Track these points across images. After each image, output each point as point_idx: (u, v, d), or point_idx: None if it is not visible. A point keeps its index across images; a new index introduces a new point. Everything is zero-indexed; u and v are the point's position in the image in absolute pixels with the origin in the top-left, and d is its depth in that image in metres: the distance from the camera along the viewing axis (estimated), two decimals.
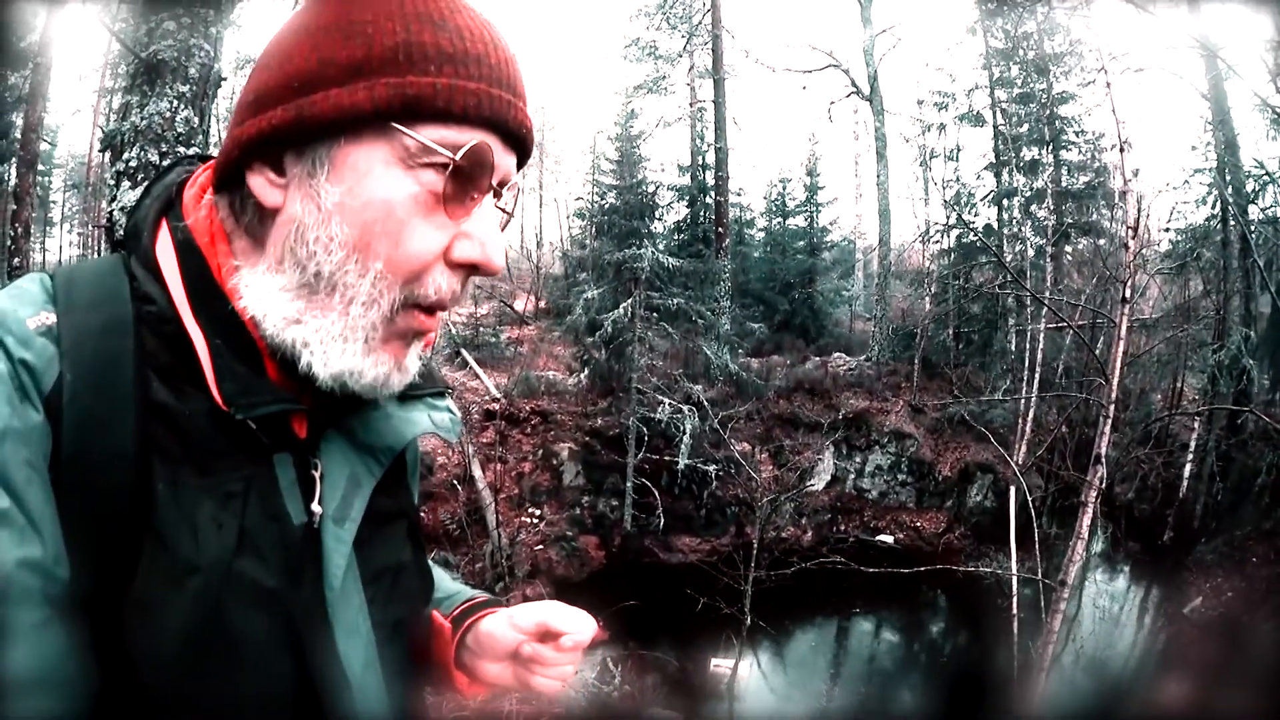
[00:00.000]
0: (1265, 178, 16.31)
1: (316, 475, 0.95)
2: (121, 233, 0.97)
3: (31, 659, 0.72)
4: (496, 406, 17.56)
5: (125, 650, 0.79)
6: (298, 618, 0.90)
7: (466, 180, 0.86)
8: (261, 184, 0.87)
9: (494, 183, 0.90)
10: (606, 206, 20.63)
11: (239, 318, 0.89)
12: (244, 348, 0.89)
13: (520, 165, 0.96)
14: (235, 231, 0.92)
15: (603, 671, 10.55)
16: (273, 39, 0.89)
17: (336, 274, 0.85)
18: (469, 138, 0.85)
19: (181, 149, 4.90)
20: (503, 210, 0.96)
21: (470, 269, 0.90)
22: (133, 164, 4.89)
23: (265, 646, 0.87)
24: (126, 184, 4.89)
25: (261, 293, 0.88)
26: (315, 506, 0.94)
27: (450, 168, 0.84)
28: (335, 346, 0.87)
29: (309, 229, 0.85)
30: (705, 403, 17.10)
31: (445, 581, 1.33)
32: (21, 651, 0.71)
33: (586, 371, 18.33)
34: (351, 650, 0.96)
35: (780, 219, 26.94)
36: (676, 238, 23.52)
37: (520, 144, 0.93)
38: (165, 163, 4.84)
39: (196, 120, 5.06)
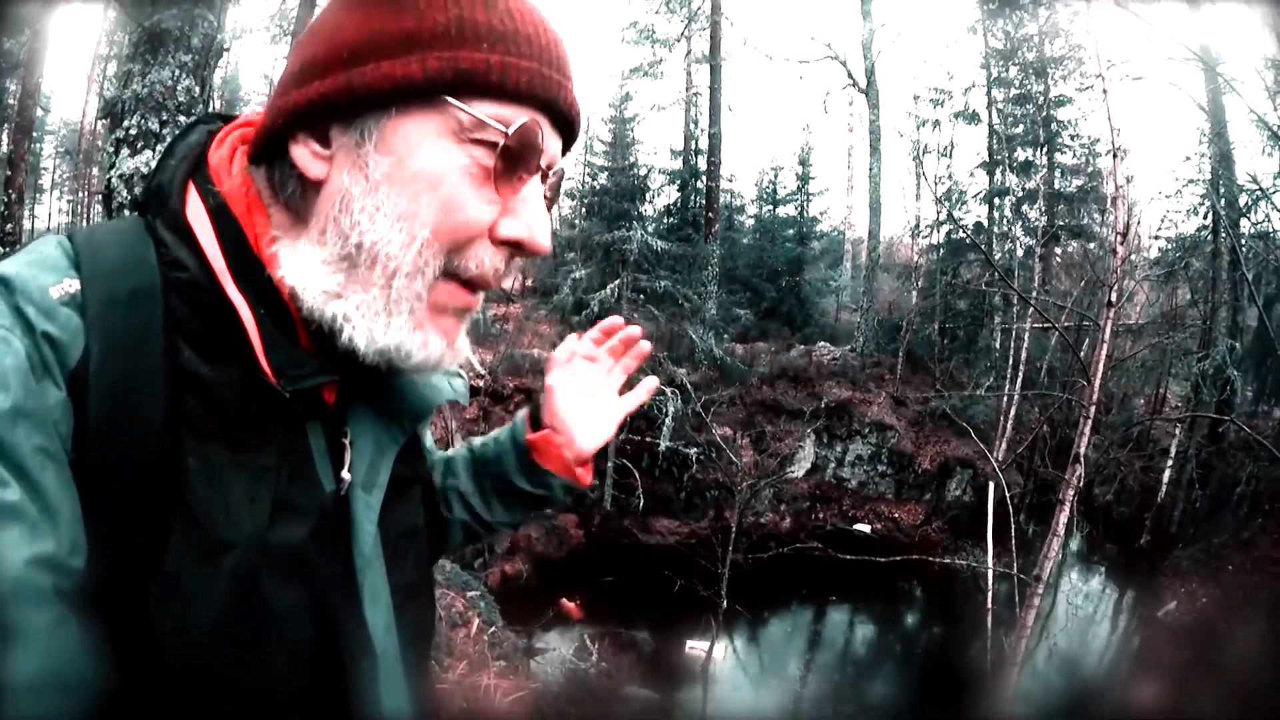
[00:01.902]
0: (1258, 193, 16.37)
1: (347, 443, 0.96)
2: (140, 194, 0.92)
3: (43, 660, 0.70)
4: (481, 383, 17.54)
5: (150, 634, 0.77)
6: (328, 587, 0.91)
7: (515, 159, 0.85)
8: (305, 155, 0.85)
9: (542, 164, 0.90)
10: (597, 187, 20.62)
11: (277, 288, 0.86)
12: (283, 318, 0.87)
13: (566, 149, 0.96)
14: (273, 203, 0.90)
15: (580, 649, 10.59)
16: (321, 13, 0.88)
17: (379, 244, 0.83)
18: (520, 115, 0.84)
19: (182, 118, 4.89)
20: (546, 195, 0.94)
21: (515, 247, 0.90)
22: (132, 132, 4.88)
23: (299, 618, 0.87)
24: (126, 151, 4.88)
25: (301, 265, 0.85)
26: (345, 474, 0.95)
27: (501, 144, 0.84)
28: (380, 321, 0.85)
29: (354, 199, 0.83)
30: (689, 386, 17.10)
31: (470, 453, 1.37)
32: (32, 653, 0.69)
33: None
34: (375, 616, 0.96)
35: (771, 207, 27.01)
36: (666, 221, 23.61)
37: (568, 127, 0.93)
38: (168, 130, 4.90)
39: (197, 90, 5.05)
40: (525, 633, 9.74)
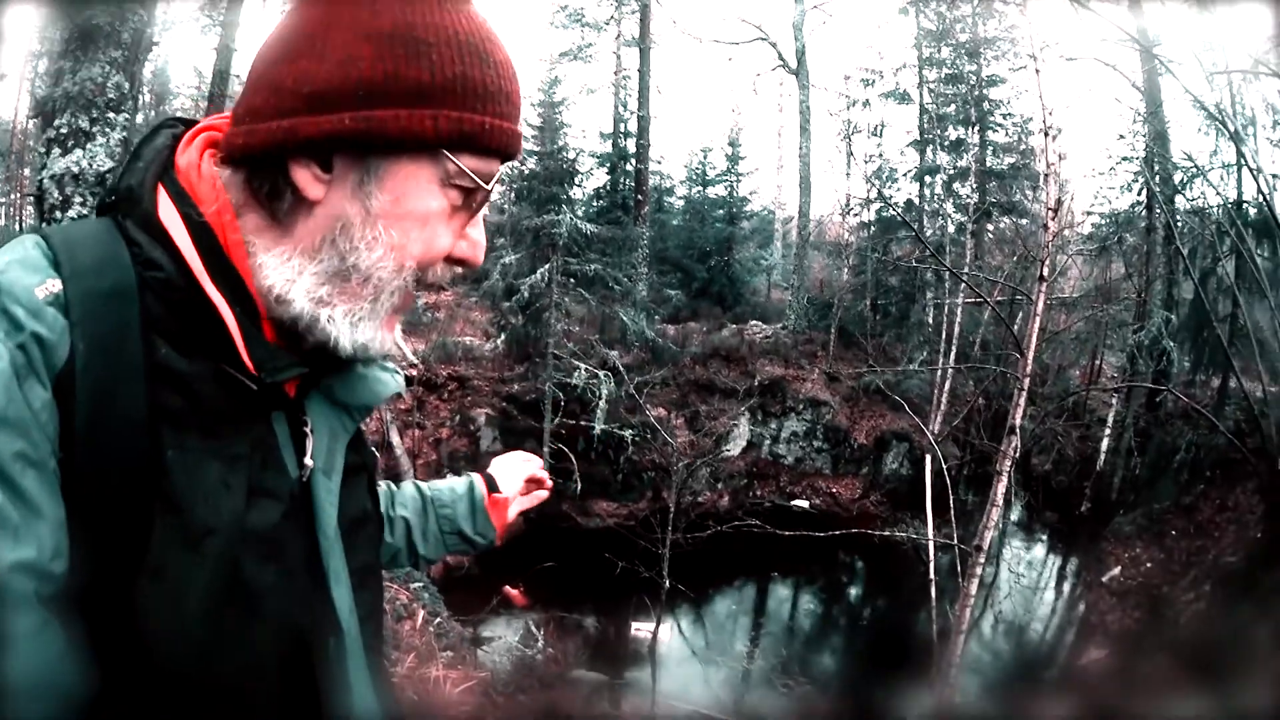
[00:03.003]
0: (1194, 171, 16.76)
1: (308, 432, 1.03)
2: (105, 195, 0.96)
3: (26, 666, 0.72)
4: (414, 372, 17.37)
5: (136, 631, 0.81)
6: (298, 568, 0.99)
7: (479, 200, 0.98)
8: (307, 178, 0.91)
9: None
10: (526, 172, 20.42)
11: (248, 288, 0.93)
12: (254, 316, 0.94)
13: None
14: (247, 209, 0.95)
15: (526, 635, 10.58)
16: (313, 18, 0.92)
17: (374, 268, 0.93)
18: (493, 167, 0.96)
19: (112, 114, 4.88)
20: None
21: (460, 263, 1.01)
22: (63, 130, 4.88)
23: (277, 597, 0.93)
24: (57, 151, 4.84)
25: (289, 272, 0.93)
26: (308, 460, 1.02)
27: (473, 190, 0.96)
28: (362, 324, 0.96)
29: (354, 227, 0.92)
30: (621, 368, 17.13)
31: (419, 493, 1.60)
32: (16, 659, 0.71)
33: (503, 337, 18.20)
34: (340, 595, 1.04)
35: (700, 188, 26.98)
36: (595, 204, 23.50)
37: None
38: (98, 128, 4.80)
39: (127, 85, 5.01)
40: (471, 622, 9.70)
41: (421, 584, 7.54)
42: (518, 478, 1.69)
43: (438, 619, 6.90)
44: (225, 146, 0.94)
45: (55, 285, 0.83)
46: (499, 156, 0.97)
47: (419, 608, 6.83)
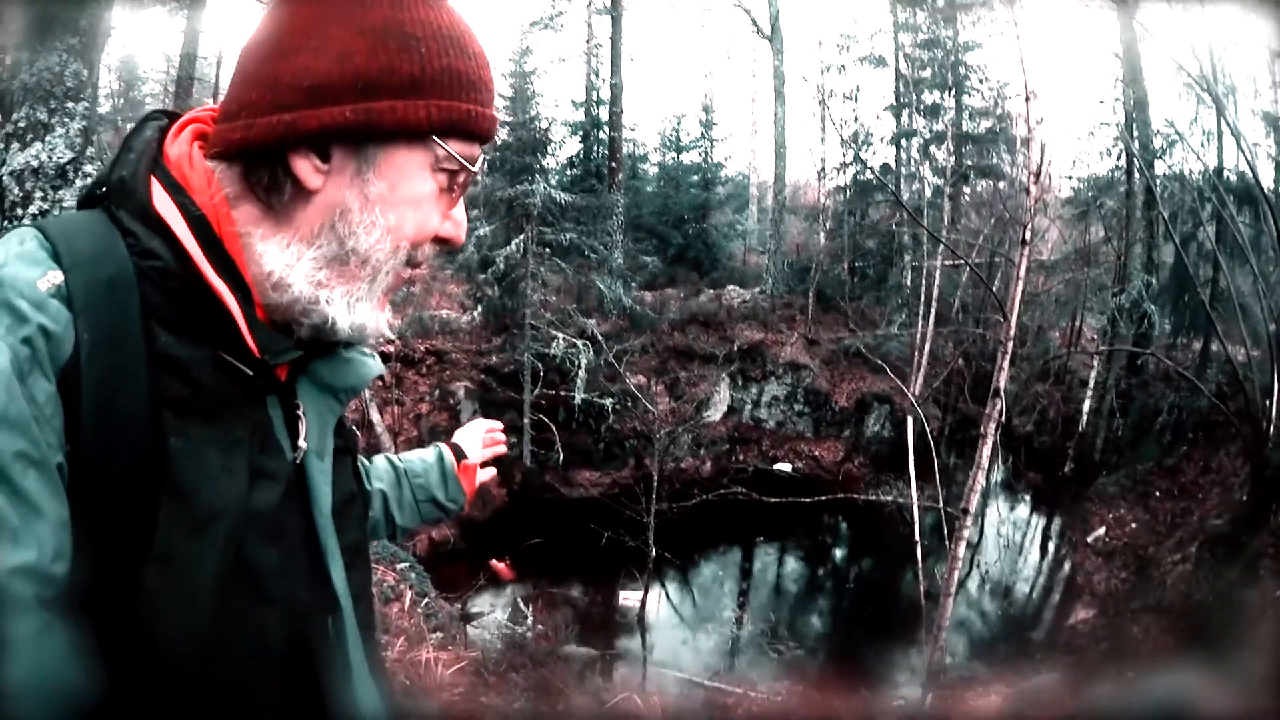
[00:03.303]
0: (1174, 136, 16.79)
1: (301, 414, 1.07)
2: (93, 188, 0.98)
3: (28, 670, 0.73)
4: (391, 348, 17.23)
5: (143, 622, 0.82)
6: (298, 547, 1.03)
7: (464, 183, 1.04)
8: (308, 168, 0.95)
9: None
10: (499, 142, 20.21)
11: (243, 276, 0.96)
12: (249, 302, 0.96)
13: None
14: (242, 200, 0.97)
15: (515, 612, 10.58)
16: (304, 16, 0.95)
17: (372, 251, 0.99)
18: (476, 151, 1.03)
19: (70, 104, 4.83)
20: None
21: (446, 242, 1.07)
22: (21, 124, 4.82)
23: (280, 577, 0.97)
24: (16, 146, 4.77)
25: (289, 258, 0.97)
26: (302, 442, 1.06)
27: (458, 171, 1.02)
28: (360, 305, 1.01)
29: (353, 213, 0.97)
30: (600, 337, 17.11)
31: (391, 465, 1.70)
32: (17, 664, 0.72)
33: (480, 309, 18.06)
34: (336, 574, 1.08)
35: (674, 154, 26.85)
36: (569, 173, 23.32)
37: None
38: (56, 119, 4.69)
39: (85, 73, 4.91)
40: (459, 599, 9.68)
41: (408, 564, 7.49)
42: (479, 442, 1.83)
43: (426, 599, 6.87)
44: (220, 141, 0.96)
45: (57, 277, 0.84)
46: (480, 140, 1.03)
47: (406, 589, 6.79)
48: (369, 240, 0.98)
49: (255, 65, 0.95)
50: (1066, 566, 14.34)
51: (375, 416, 15.67)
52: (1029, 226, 6.72)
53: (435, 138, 0.97)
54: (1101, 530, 14.27)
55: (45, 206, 4.64)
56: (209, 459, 0.90)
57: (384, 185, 0.97)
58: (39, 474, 0.77)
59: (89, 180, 4.65)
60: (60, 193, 4.69)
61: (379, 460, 1.67)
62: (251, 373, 0.95)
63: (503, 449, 1.91)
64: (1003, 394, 7.25)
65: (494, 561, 12.58)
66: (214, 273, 0.91)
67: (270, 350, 0.97)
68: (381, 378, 15.70)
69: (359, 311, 1.01)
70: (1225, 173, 16.18)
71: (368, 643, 1.15)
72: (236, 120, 0.94)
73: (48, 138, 4.72)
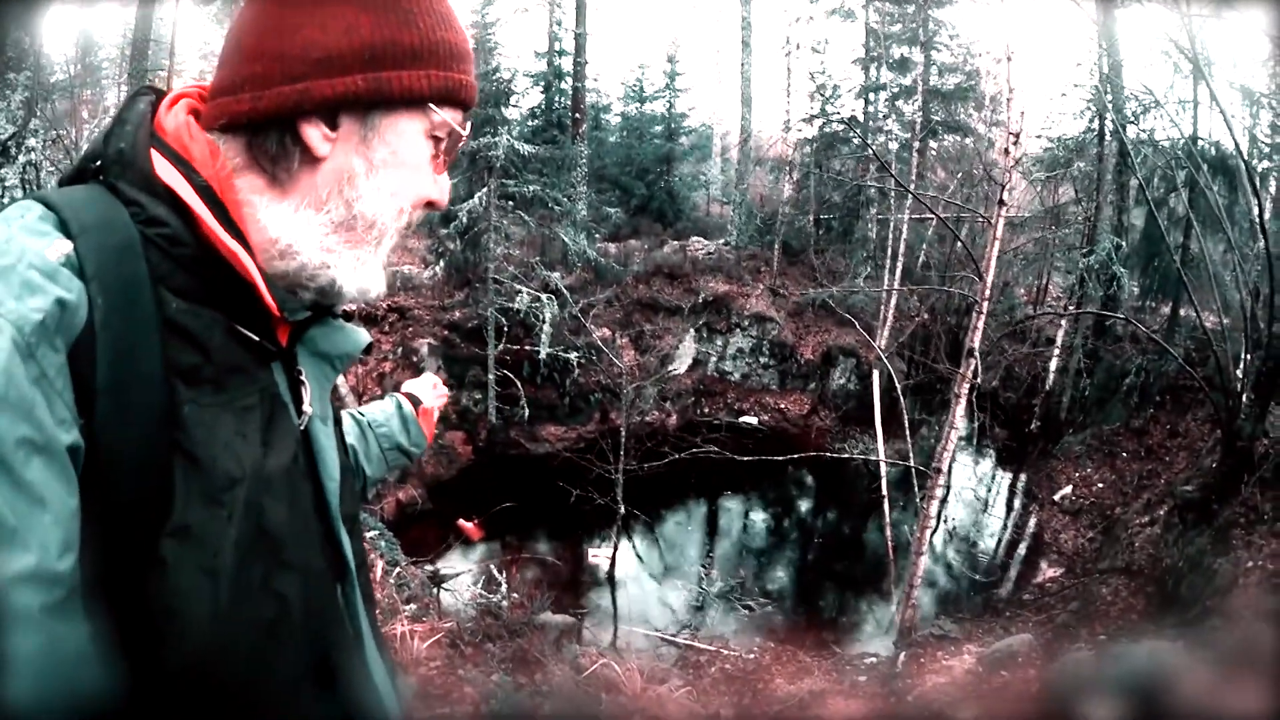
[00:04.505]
0: (1150, 101, 16.80)
1: (304, 379, 1.08)
2: (86, 161, 0.98)
3: (37, 685, 0.70)
4: (352, 307, 16.95)
5: (160, 601, 0.81)
6: (311, 513, 1.05)
7: (452, 149, 1.09)
8: (318, 137, 0.97)
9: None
10: None
11: (249, 244, 0.96)
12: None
13: None
14: (245, 169, 0.98)
15: (488, 581, 10.53)
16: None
17: (378, 214, 1.02)
18: (462, 118, 1.07)
19: (11, 74, 4.63)
20: None
21: (432, 205, 1.10)
22: None
23: (298, 540, 0.98)
24: None
25: (299, 224, 0.99)
26: (306, 407, 1.08)
27: (450, 139, 1.07)
28: (366, 268, 1.04)
29: (359, 178, 1.00)
30: (564, 290, 17.05)
31: (354, 419, 1.72)
32: (23, 682, 0.69)
33: (442, 264, 17.87)
34: (344, 539, 1.11)
35: (638, 105, 26.62)
36: (531, 124, 23.05)
37: None
38: None
39: (26, 40, 4.66)
40: (429, 561, 9.62)
41: (377, 531, 7.44)
42: (430, 390, 1.90)
43: (397, 568, 6.82)
44: (224, 114, 0.97)
45: (65, 246, 0.84)
46: (467, 108, 1.08)
47: (377, 558, 6.74)
48: (375, 204, 1.02)
49: (253, 41, 0.97)
50: (1033, 523, 14.52)
51: (339, 379, 15.49)
52: (1006, 187, 6.67)
53: (431, 105, 1.02)
54: (1068, 489, 14.48)
55: None
56: (223, 426, 0.90)
57: (387, 151, 1.01)
58: (44, 460, 0.74)
59: (33, 155, 4.44)
60: (2, 170, 4.46)
61: (342, 416, 1.64)
62: (258, 338, 0.98)
63: (445, 399, 1.98)
64: (977, 354, 7.27)
65: (462, 521, 12.50)
66: (228, 235, 0.92)
67: (287, 308, 1.00)
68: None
69: (365, 274, 1.04)
70: (1200, 141, 16.28)
71: (370, 613, 1.18)
72: (240, 93, 0.96)
73: None
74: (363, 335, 1.20)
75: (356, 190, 1.00)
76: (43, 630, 0.71)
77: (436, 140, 1.06)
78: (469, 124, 1.12)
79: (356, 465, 1.63)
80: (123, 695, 0.78)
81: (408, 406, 1.81)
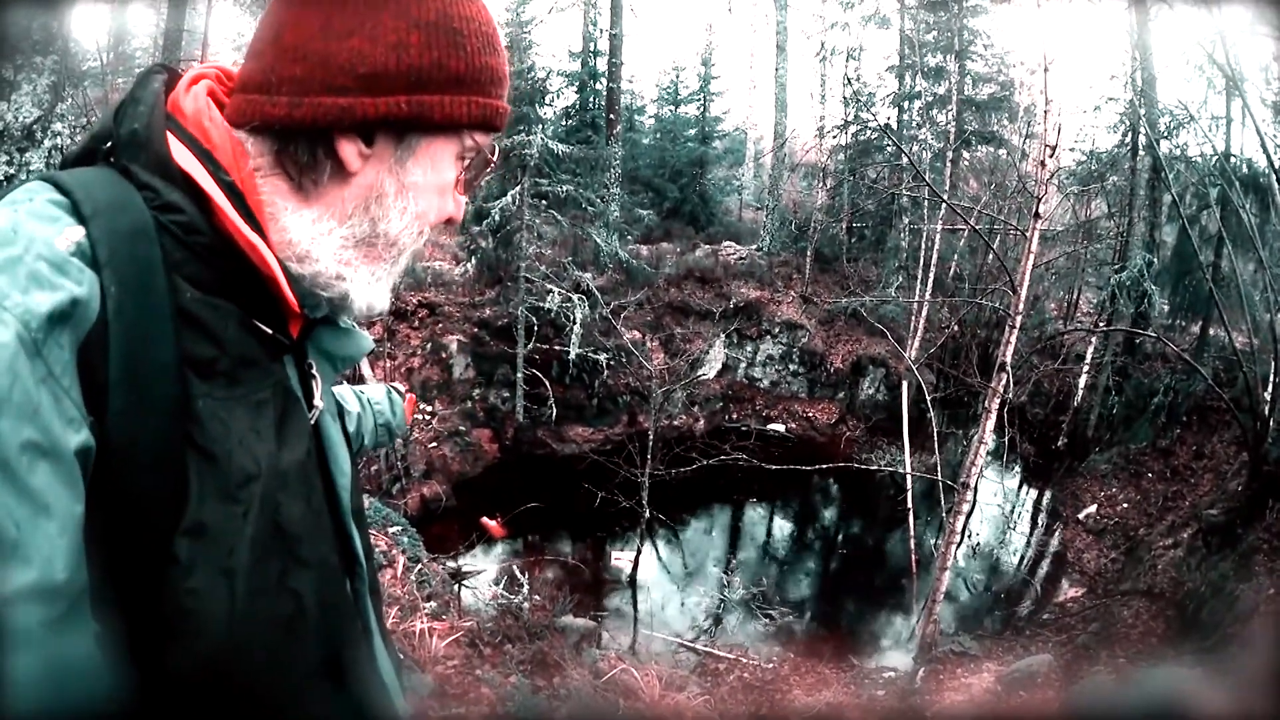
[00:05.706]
0: (1186, 117, 16.65)
1: (315, 374, 1.08)
2: (92, 141, 0.94)
3: (42, 701, 0.67)
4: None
5: (173, 601, 0.79)
6: (323, 508, 1.04)
7: (478, 167, 1.09)
8: (352, 153, 0.95)
9: None
10: None
11: (267, 236, 0.94)
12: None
13: None
14: (270, 171, 0.97)
15: (510, 582, 10.54)
16: (368, 6, 0.94)
17: (401, 234, 1.02)
18: (491, 141, 1.08)
19: (39, 58, 4.64)
20: None
21: (449, 222, 1.10)
22: None
23: (313, 541, 0.97)
24: None
25: (318, 234, 0.98)
26: (317, 402, 1.08)
27: (474, 158, 1.07)
28: (380, 285, 1.04)
29: (388, 197, 1.00)
30: (595, 291, 17.05)
31: (355, 394, 1.80)
32: (26, 703, 0.66)
33: (474, 261, 17.88)
34: (354, 532, 1.11)
35: (672, 107, 26.68)
36: (565, 124, 23.13)
37: None
38: (18, 75, 4.52)
39: (54, 24, 4.68)
40: (451, 558, 9.62)
41: (400, 527, 7.44)
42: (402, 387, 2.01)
43: (419, 565, 6.80)
44: (256, 114, 0.94)
45: (76, 233, 0.80)
46: (498, 132, 1.07)
47: (399, 554, 6.72)
48: (400, 224, 1.01)
49: (297, 39, 0.93)
50: (1056, 541, 14.37)
51: (366, 371, 15.56)
52: (1041, 200, 6.60)
53: (468, 132, 1.02)
54: (1093, 508, 14.32)
55: (11, 171, 4.40)
56: (238, 420, 0.88)
57: (419, 173, 1.00)
58: (49, 466, 0.70)
59: (59, 139, 4.47)
60: (27, 155, 4.48)
61: (343, 389, 1.72)
62: (271, 331, 0.96)
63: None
64: (1009, 369, 7.18)
65: (485, 519, 12.51)
66: (248, 227, 0.90)
67: (307, 304, 1.00)
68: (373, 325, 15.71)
69: (376, 290, 1.04)
70: (1232, 158, 16.11)
71: (378, 608, 1.18)
72: (276, 95, 0.93)
73: (14, 96, 4.49)
74: (367, 340, 1.20)
75: (384, 209, 1.00)
76: (45, 647, 0.68)
77: (463, 160, 1.06)
78: (496, 148, 1.11)
79: (357, 435, 1.73)
80: (131, 701, 0.76)
81: (395, 394, 1.93)
